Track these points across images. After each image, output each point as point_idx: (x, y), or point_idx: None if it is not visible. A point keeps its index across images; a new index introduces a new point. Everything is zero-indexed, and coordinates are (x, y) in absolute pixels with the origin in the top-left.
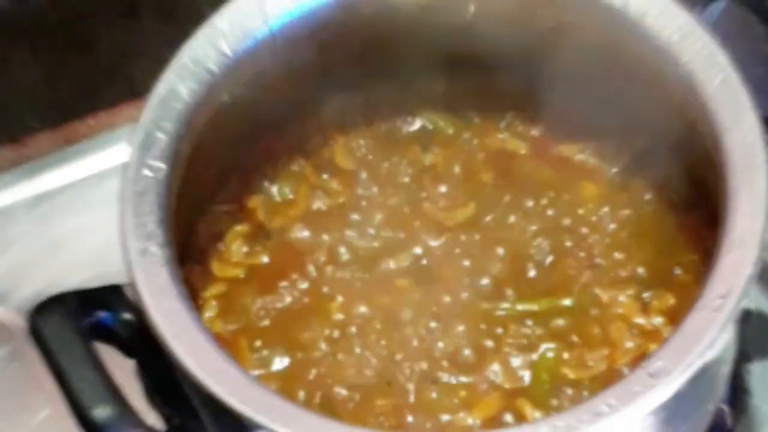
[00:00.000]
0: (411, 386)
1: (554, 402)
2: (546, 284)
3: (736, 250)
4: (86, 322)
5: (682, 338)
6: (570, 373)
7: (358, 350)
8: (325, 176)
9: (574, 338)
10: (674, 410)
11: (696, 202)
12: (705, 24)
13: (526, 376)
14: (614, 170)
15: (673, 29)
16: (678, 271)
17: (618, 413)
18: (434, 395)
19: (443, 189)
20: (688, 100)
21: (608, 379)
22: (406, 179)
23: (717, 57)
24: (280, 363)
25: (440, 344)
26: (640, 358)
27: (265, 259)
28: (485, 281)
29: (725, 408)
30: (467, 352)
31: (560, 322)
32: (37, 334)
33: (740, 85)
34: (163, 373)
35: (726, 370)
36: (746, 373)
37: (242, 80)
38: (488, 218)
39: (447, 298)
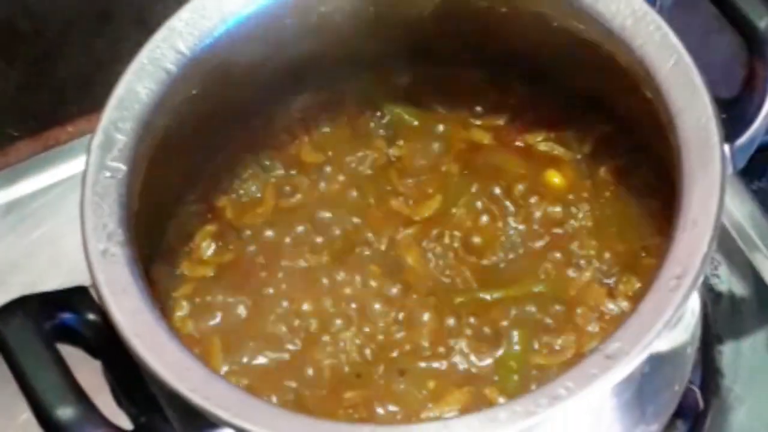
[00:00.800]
0: (380, 378)
1: (523, 390)
2: (513, 272)
3: (691, 231)
4: (49, 324)
5: (638, 319)
6: (538, 361)
7: (326, 344)
8: (291, 173)
9: (542, 325)
10: (640, 391)
11: (659, 186)
12: (658, 7)
13: (495, 364)
14: (578, 157)
15: (626, 14)
16: (643, 255)
17: (576, 396)
18: (403, 386)
19: (409, 181)
20: (644, 83)
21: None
22: (373, 173)
23: (670, 40)
24: (250, 359)
25: (408, 335)
26: None
27: (235, 257)
28: (452, 272)
29: (696, 390)
30: (435, 342)
31: (527, 309)
32: None
33: (693, 66)
34: (130, 373)
35: (692, 351)
36: (717, 354)
37: (202, 79)
38: (455, 209)
39: (415, 290)
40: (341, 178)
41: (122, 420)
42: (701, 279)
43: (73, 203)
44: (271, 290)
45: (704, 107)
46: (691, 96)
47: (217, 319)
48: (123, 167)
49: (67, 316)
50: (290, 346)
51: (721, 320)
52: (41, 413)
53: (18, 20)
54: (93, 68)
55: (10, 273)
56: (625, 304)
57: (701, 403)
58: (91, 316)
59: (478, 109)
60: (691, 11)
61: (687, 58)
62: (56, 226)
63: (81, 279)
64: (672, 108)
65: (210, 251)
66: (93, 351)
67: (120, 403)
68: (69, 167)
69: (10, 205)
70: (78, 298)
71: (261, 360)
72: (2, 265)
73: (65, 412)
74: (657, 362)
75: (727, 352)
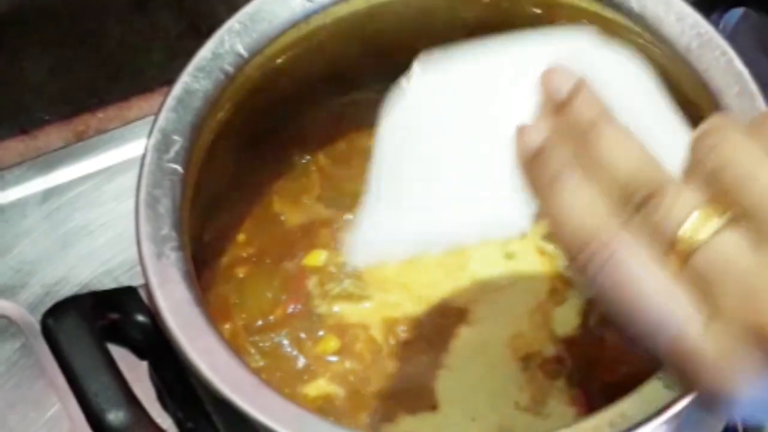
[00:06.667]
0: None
1: None
2: None
3: None
4: (99, 324)
5: None
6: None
7: (363, 352)
8: (340, 170)
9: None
10: (688, 419)
11: None
12: (722, 31)
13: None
14: None
15: (690, 37)
16: None
17: (632, 425)
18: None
19: None
20: (707, 108)
21: None
22: None
23: (735, 66)
24: (296, 364)
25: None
26: None
27: (279, 256)
28: None
29: None
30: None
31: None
32: (50, 336)
33: (758, 94)
34: (177, 376)
35: None
36: None
37: (256, 80)
38: None
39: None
40: None
41: (161, 420)
42: None
43: (108, 194)
44: (314, 292)
45: None
46: None
47: (256, 321)
48: (179, 169)
49: (116, 316)
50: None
51: None
52: (93, 416)
53: (54, 4)
54: (126, 55)
55: (44, 263)
56: None
57: (740, 427)
58: (140, 317)
59: None
60: (753, 35)
61: (752, 86)
62: (91, 217)
63: (113, 271)
64: None
65: (253, 250)
66: (140, 352)
67: (165, 406)
68: (106, 157)
69: (47, 193)
70: (127, 298)
71: (305, 364)
72: (36, 255)
73: (117, 416)
74: None
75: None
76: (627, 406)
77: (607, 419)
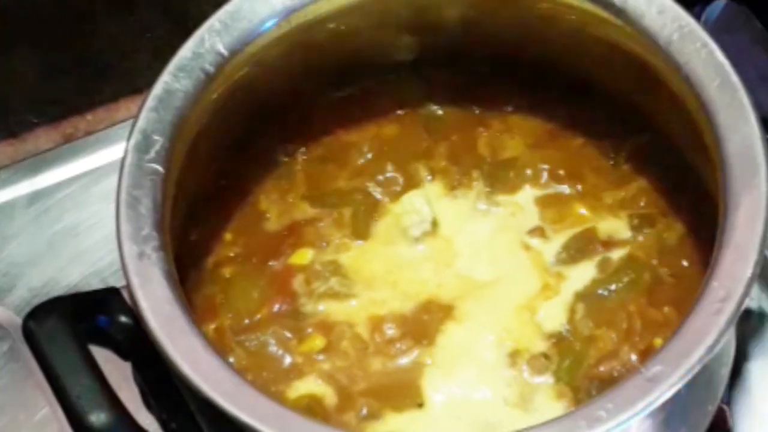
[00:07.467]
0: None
1: None
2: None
3: (736, 253)
4: (82, 325)
5: (681, 342)
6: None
7: (350, 351)
8: (325, 169)
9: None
10: (673, 412)
11: (697, 203)
12: (704, 23)
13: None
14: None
15: (672, 30)
16: (685, 263)
17: (615, 419)
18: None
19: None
20: (688, 100)
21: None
22: (415, 168)
23: (716, 58)
24: (282, 363)
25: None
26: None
27: (265, 255)
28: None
29: (725, 407)
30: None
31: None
32: (31, 339)
33: (740, 85)
34: (160, 377)
35: (725, 371)
36: (746, 372)
37: (238, 79)
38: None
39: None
40: (377, 171)
41: (145, 421)
42: (745, 303)
43: (96, 196)
44: (300, 290)
45: (751, 128)
46: (737, 116)
47: (241, 321)
48: (160, 169)
49: (99, 317)
50: (319, 356)
51: (749, 338)
52: (74, 418)
53: (43, 6)
54: (115, 57)
55: (31, 265)
56: (667, 310)
57: (730, 422)
58: (123, 318)
59: (515, 110)
60: (735, 27)
61: (734, 77)
62: (79, 218)
63: (101, 273)
64: (718, 128)
65: (240, 248)
66: (123, 353)
67: (149, 406)
68: (93, 159)
69: (34, 195)
70: (110, 299)
71: (291, 363)
72: (24, 257)
73: (99, 418)
74: (692, 383)
75: (756, 371)
76: (611, 400)
77: (592, 413)
